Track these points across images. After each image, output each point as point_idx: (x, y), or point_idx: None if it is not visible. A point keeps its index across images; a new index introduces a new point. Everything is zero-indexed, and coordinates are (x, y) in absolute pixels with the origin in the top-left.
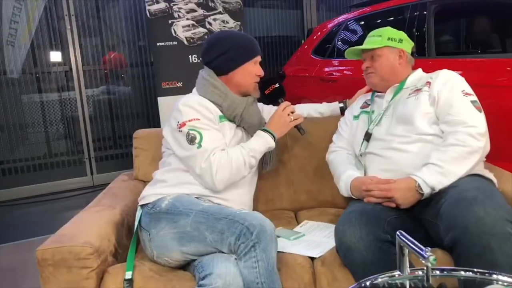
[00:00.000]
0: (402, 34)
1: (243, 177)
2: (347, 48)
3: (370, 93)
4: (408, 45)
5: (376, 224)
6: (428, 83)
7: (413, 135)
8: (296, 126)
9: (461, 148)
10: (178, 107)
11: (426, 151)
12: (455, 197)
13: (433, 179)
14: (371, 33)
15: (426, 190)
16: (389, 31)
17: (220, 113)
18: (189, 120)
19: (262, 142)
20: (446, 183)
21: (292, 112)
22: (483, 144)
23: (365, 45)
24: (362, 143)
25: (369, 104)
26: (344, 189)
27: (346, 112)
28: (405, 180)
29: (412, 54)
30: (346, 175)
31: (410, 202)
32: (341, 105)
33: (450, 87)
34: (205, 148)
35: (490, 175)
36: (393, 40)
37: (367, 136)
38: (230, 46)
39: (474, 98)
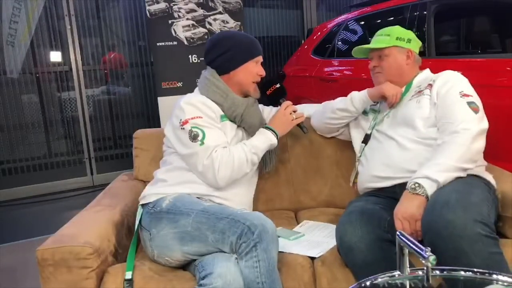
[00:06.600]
0: (411, 34)
1: (245, 174)
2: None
3: None
4: (416, 45)
5: (377, 224)
6: (430, 85)
7: (414, 137)
8: (298, 125)
9: (448, 145)
10: (181, 105)
11: (426, 153)
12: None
13: (425, 172)
14: (379, 31)
15: (424, 183)
16: (397, 30)
17: (222, 113)
18: (192, 118)
19: (264, 140)
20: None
21: (294, 111)
22: (469, 136)
23: (373, 44)
24: (361, 145)
25: (377, 103)
26: (359, 97)
27: None
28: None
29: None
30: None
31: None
32: None
33: (448, 89)
34: (207, 146)
35: (489, 176)
36: (402, 40)
37: (366, 139)
38: (232, 45)
39: (472, 99)
